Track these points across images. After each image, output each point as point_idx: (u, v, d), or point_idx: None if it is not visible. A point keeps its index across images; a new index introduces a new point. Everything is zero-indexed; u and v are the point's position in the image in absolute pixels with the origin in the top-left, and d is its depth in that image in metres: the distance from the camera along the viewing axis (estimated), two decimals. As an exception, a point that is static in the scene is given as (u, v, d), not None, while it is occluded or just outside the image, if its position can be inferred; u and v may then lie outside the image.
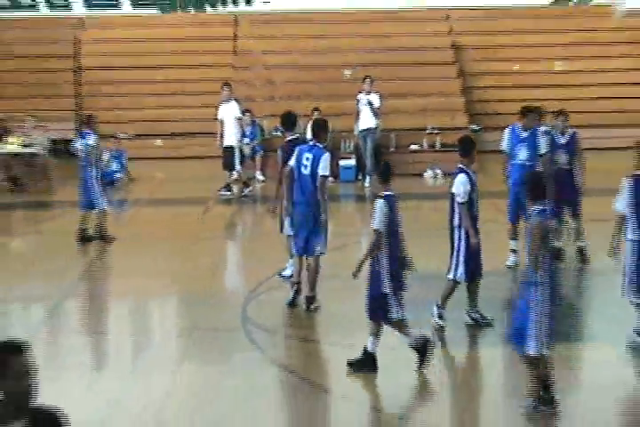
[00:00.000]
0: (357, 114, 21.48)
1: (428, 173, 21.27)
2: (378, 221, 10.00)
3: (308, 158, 12.58)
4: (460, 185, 10.92)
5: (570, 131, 14.48)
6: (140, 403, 9.64)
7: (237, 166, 20.22)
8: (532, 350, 8.71)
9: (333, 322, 12.28)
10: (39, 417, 4.73)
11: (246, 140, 21.59)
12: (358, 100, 21.32)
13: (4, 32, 25.16)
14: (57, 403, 9.22)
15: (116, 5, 26.56)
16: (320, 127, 12.97)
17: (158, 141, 21.63)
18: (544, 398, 8.81)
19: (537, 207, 8.95)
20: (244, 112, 21.64)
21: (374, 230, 10.07)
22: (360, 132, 21.39)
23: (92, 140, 15.62)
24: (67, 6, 26.41)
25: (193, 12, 26.71)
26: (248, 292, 13.22)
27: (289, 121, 13.71)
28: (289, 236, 12.86)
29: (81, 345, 11.82)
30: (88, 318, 12.95)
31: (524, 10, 25.79)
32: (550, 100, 22.39)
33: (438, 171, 21.28)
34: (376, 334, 10.10)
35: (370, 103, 21.06)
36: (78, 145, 15.71)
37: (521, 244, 12.95)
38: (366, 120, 21.35)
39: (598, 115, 22.54)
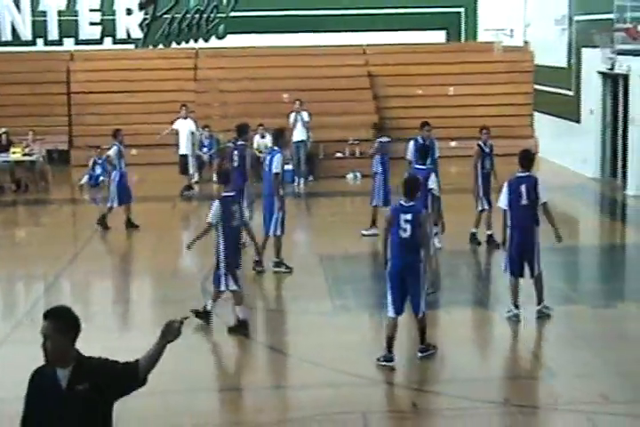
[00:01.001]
0: (292, 128, 21.42)
1: (350, 176, 21.74)
2: (212, 215, 10.51)
3: (268, 160, 13.08)
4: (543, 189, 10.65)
5: (489, 142, 14.65)
6: (123, 356, 10.16)
7: (191, 170, 20.57)
8: None
9: (276, 293, 12.76)
10: (82, 367, 4.72)
11: (205, 149, 21.69)
12: (290, 118, 21.39)
13: (8, 63, 25.03)
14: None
15: (100, 42, 26.47)
16: (277, 135, 13.54)
17: (133, 151, 21.69)
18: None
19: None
20: (203, 127, 21.85)
21: (208, 223, 10.58)
22: (294, 142, 21.40)
23: (112, 150, 15.97)
24: (60, 43, 26.31)
25: (161, 47, 26.70)
26: (207, 270, 12.84)
27: (241, 129, 14.49)
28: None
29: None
30: (78, 291, 13.15)
31: (424, 46, 25.87)
32: (446, 117, 23.24)
33: (358, 174, 21.67)
34: (214, 299, 10.61)
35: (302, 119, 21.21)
36: (112, 153, 15.89)
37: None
38: (299, 133, 21.49)
39: (483, 129, 22.96)
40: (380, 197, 15.30)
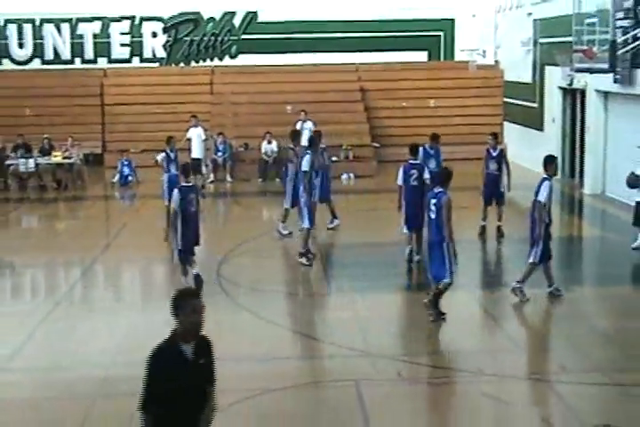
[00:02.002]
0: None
1: (344, 177, 21.53)
2: (173, 203, 10.66)
3: (300, 160, 12.95)
4: (547, 188, 10.32)
5: (499, 147, 14.57)
6: (145, 332, 9.35)
7: (204, 171, 20.44)
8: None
9: (280, 277, 12.51)
10: (201, 343, 4.72)
11: (219, 153, 21.68)
12: (297, 126, 20.93)
13: (50, 79, 25.02)
14: (90, 332, 9.91)
15: (129, 61, 26.46)
16: (311, 139, 13.49)
17: (157, 155, 21.87)
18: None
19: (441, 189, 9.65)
20: (218, 134, 21.87)
21: (173, 209, 10.63)
22: (302, 147, 21.34)
23: (159, 156, 15.32)
24: (94, 61, 26.37)
25: (182, 65, 26.68)
26: (221, 257, 13.22)
27: (312, 139, 13.73)
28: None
29: (105, 294, 11.91)
30: (111, 276, 13.09)
31: (409, 64, 25.75)
32: (427, 126, 22.45)
33: (351, 175, 21.64)
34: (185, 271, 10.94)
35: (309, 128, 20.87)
36: (159, 158, 15.48)
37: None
38: (305, 139, 21.45)
39: (459, 136, 22.64)
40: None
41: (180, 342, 4.65)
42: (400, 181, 12.41)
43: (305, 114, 21.40)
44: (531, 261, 10.42)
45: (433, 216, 9.74)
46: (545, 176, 10.55)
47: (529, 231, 10.60)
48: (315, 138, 13.61)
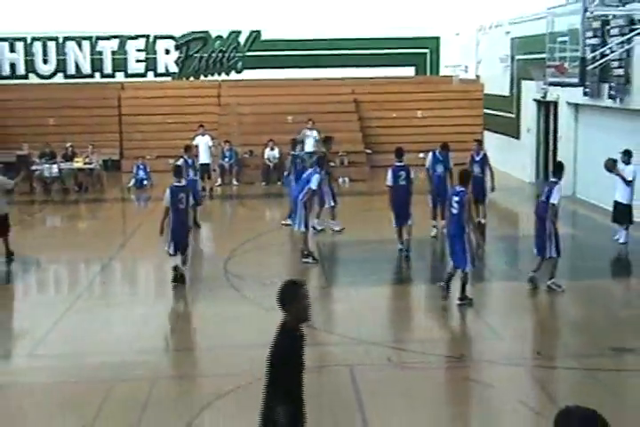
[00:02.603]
0: (302, 141, 20.63)
1: (340, 180, 21.39)
2: (165, 200, 10.92)
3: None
4: (559, 191, 10.35)
5: (482, 152, 14.59)
6: (159, 322, 9.79)
7: (212, 176, 20.38)
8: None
9: (280, 272, 12.17)
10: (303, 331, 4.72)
11: (226, 159, 21.69)
12: (303, 133, 21.04)
13: (72, 91, 24.88)
14: (108, 322, 9.94)
15: (144, 75, 26.37)
16: (325, 140, 13.24)
17: (171, 161, 21.75)
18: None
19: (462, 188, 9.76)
20: (225, 142, 21.89)
21: (165, 206, 10.86)
22: (306, 153, 20.88)
23: (178, 162, 14.53)
24: (113, 76, 26.26)
25: (192, 79, 26.59)
26: (228, 253, 13.17)
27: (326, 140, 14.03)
28: None
29: (122, 288, 11.90)
30: (126, 271, 13.02)
31: (398, 79, 25.69)
32: (415, 135, 23.30)
33: (346, 179, 21.64)
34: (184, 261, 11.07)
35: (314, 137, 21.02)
36: (179, 163, 14.64)
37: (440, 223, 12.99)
38: (309, 146, 20.95)
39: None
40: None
41: (294, 330, 4.66)
42: (389, 182, 12.43)
43: (312, 123, 21.35)
44: (553, 255, 10.44)
45: (455, 212, 9.78)
46: (554, 180, 10.57)
47: (535, 229, 10.63)
48: (323, 158, 13.38)
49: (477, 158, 14.52)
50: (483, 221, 14.19)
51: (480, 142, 15.09)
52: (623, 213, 13.33)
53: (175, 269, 11.09)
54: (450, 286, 10.16)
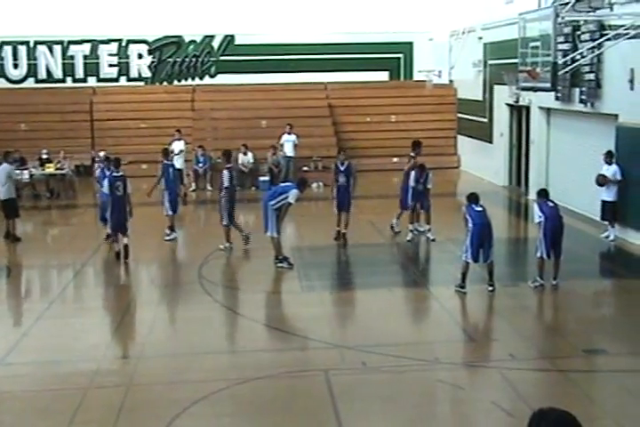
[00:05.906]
0: (281, 146, 21.57)
1: (314, 185, 21.44)
2: (105, 188, 12.97)
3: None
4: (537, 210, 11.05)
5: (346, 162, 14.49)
6: (133, 328, 9.77)
7: (185, 181, 20.10)
8: None
9: (255, 277, 12.29)
10: None
11: (200, 164, 21.64)
12: (282, 138, 21.55)
13: (43, 96, 24.80)
14: (82, 328, 9.80)
15: (117, 80, 26.25)
16: (305, 182, 12.99)
17: (144, 166, 21.58)
18: None
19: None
20: (199, 147, 21.85)
21: (101, 191, 12.68)
22: (285, 157, 21.68)
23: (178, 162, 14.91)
24: (84, 80, 26.08)
25: (166, 84, 26.47)
26: (202, 258, 13.19)
27: (227, 155, 14.30)
28: None
29: (96, 293, 11.80)
30: (100, 276, 12.91)
31: (372, 83, 25.85)
32: (389, 139, 23.55)
33: (320, 183, 21.51)
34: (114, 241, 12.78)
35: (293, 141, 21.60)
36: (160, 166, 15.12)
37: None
38: (289, 150, 21.78)
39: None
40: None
41: None
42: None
43: (290, 127, 21.66)
44: (538, 255, 11.02)
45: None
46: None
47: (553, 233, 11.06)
48: (305, 180, 13.46)
49: (342, 168, 14.48)
50: (343, 231, 14.16)
51: (345, 151, 15.50)
52: (611, 211, 13.96)
53: (126, 247, 12.68)
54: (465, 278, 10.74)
